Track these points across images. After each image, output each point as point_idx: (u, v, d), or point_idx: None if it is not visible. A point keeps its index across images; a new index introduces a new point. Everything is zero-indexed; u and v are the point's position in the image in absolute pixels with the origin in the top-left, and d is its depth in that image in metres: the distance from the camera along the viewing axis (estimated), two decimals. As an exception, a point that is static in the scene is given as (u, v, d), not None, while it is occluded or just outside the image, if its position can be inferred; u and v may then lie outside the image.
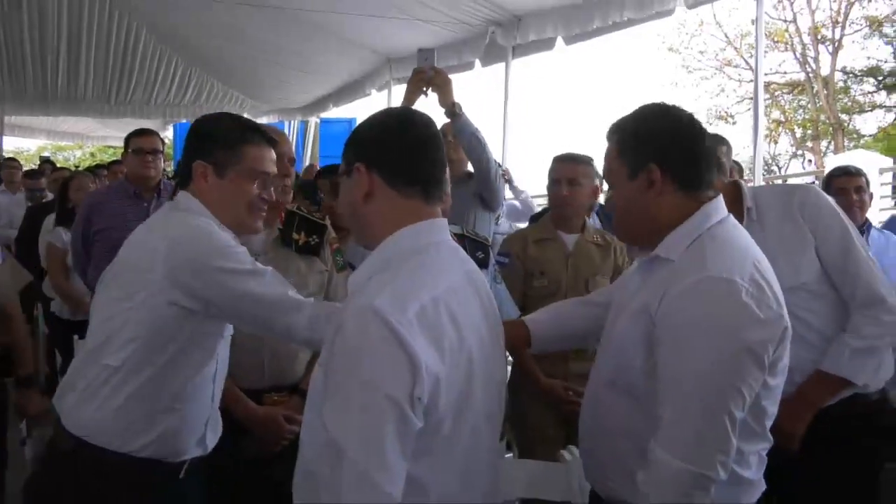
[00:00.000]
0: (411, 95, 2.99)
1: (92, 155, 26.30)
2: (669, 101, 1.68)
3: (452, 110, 3.01)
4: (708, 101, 28.16)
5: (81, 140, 19.46)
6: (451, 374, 1.29)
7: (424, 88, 3.00)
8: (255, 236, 2.32)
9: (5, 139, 14.00)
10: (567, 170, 3.01)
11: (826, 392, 2.10)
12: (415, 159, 1.43)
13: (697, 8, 5.29)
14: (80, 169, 8.38)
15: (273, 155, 1.94)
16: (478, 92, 7.68)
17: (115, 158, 9.92)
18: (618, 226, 1.79)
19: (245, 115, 2.04)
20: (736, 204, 2.16)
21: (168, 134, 11.94)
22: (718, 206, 1.61)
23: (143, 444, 1.78)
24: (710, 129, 2.32)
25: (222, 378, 1.97)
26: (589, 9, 5.54)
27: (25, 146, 25.22)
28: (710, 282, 1.47)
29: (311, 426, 1.37)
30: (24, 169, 8.11)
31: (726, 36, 22.52)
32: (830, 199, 2.21)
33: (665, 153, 1.59)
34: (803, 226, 2.12)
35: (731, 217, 1.63)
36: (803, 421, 2.07)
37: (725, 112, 23.17)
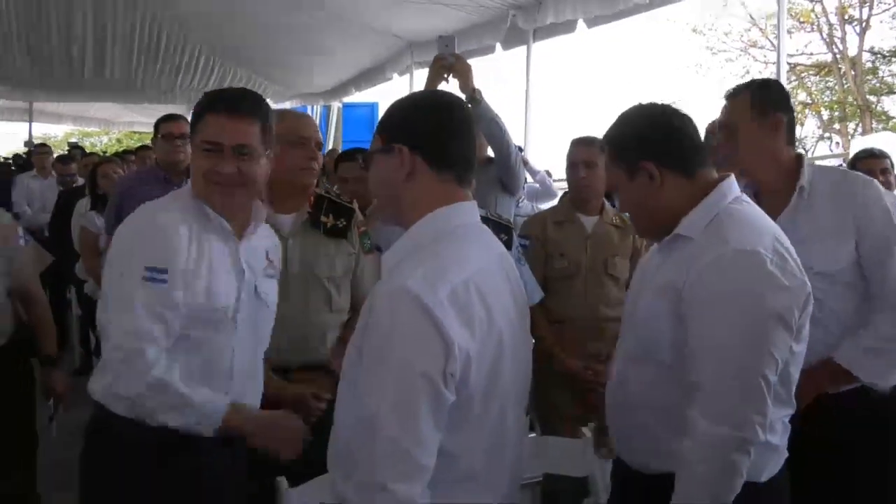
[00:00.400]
0: (433, 82, 3.04)
1: (118, 140, 26.59)
2: (661, 98, 1.79)
3: (473, 96, 3.05)
4: (733, 83, 27.76)
5: (107, 126, 19.69)
6: (481, 353, 1.34)
7: (445, 75, 3.05)
8: (284, 217, 2.38)
9: (33, 125, 14.27)
10: (585, 153, 3.06)
11: (832, 381, 2.11)
12: (454, 143, 1.47)
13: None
14: (107, 155, 8.53)
15: (235, 124, 1.83)
16: (499, 75, 7.69)
17: (141, 143, 10.05)
18: (637, 227, 1.88)
19: (268, 101, 2.05)
20: (790, 179, 2.17)
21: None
22: (732, 186, 1.69)
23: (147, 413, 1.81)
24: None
25: (245, 371, 1.93)
26: (610, -9, 5.52)
27: (53, 132, 25.53)
28: (735, 254, 1.55)
29: (345, 402, 1.44)
30: (54, 155, 8.28)
31: (751, 17, 22.22)
32: (887, 196, 2.18)
33: (653, 147, 1.68)
34: (850, 217, 2.11)
35: (745, 196, 1.71)
36: (804, 400, 2.09)
37: (750, 94, 22.82)
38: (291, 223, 2.40)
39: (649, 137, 1.69)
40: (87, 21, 9.43)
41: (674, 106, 1.75)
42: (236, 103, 1.86)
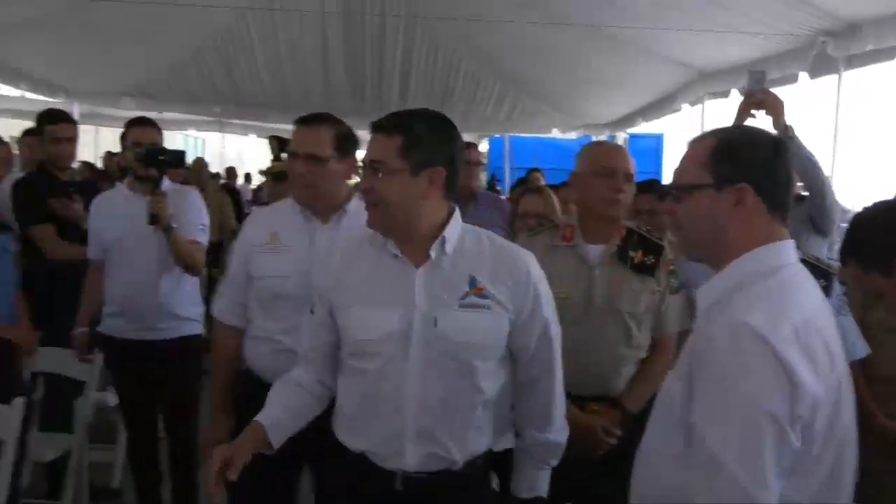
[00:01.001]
0: (741, 117, 2.95)
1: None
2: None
3: (786, 133, 2.91)
4: None
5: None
6: (825, 397, 1.30)
7: (754, 111, 2.95)
8: (592, 248, 2.42)
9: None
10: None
11: None
12: (787, 184, 1.46)
13: None
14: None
15: (372, 139, 1.78)
16: (803, 106, 7.15)
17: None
18: None
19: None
20: None
21: (483, 147, 12.70)
22: None
23: (340, 435, 1.87)
24: None
25: (424, 407, 1.77)
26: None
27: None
28: None
29: (659, 437, 1.44)
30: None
31: None
32: None
33: None
34: None
35: None
36: None
37: None
38: (600, 254, 2.44)
39: None
40: (396, 59, 10.47)
41: None
42: (379, 120, 1.79)
